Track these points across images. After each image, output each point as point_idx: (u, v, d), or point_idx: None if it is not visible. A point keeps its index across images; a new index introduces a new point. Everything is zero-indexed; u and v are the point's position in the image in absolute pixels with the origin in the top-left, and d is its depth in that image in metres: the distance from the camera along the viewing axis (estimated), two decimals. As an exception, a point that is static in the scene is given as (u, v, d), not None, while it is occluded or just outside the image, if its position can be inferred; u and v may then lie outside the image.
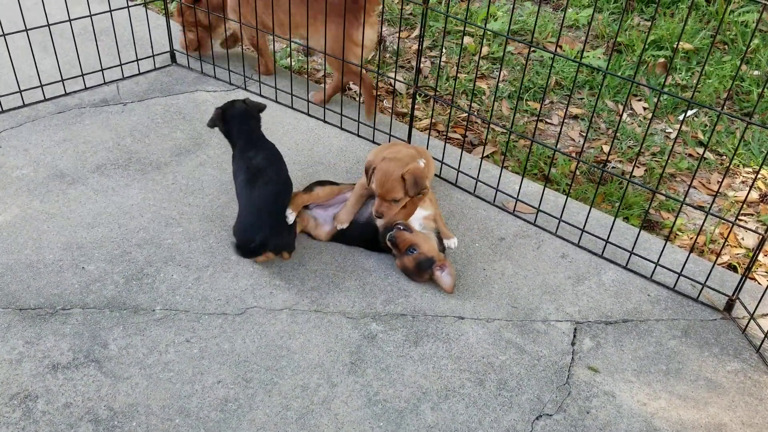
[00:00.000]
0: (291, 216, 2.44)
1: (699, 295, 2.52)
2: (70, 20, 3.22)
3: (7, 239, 2.54)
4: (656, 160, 3.42)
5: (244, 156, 2.50)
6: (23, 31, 3.11)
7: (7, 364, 2.10)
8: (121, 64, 3.51)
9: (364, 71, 3.17)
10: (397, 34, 3.56)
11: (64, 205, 2.71)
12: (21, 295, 2.33)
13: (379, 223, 2.52)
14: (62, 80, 3.34)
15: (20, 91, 3.24)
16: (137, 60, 3.59)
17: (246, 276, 2.46)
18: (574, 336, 2.33)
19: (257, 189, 2.40)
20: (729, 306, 2.47)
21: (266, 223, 2.37)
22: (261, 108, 2.63)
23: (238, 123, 2.56)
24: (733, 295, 2.45)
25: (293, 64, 3.93)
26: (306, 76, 3.47)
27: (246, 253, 2.41)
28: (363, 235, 2.57)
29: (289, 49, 3.80)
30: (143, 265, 2.47)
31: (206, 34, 3.64)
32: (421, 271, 2.43)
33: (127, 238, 2.58)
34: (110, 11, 3.38)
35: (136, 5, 3.83)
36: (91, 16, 3.27)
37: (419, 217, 2.52)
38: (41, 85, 3.29)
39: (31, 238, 2.55)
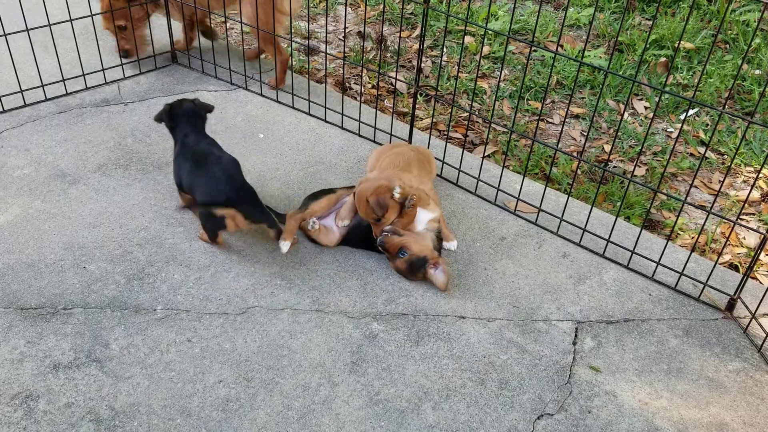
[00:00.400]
0: (285, 246, 2.45)
1: (700, 294, 2.52)
2: (71, 20, 3.22)
3: (9, 239, 2.54)
4: (657, 160, 3.42)
5: (187, 150, 2.51)
6: (24, 30, 3.11)
7: (8, 364, 2.10)
8: (122, 64, 3.52)
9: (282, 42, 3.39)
10: (398, 34, 3.56)
11: (65, 205, 2.71)
12: (22, 294, 2.33)
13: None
14: (63, 80, 3.34)
15: (21, 91, 3.24)
16: (138, 60, 3.59)
17: (247, 275, 2.46)
18: (576, 335, 2.33)
19: (210, 166, 2.42)
20: (730, 305, 2.46)
21: (230, 185, 2.37)
22: (209, 108, 2.66)
23: (184, 120, 2.58)
24: (734, 294, 2.45)
25: (294, 64, 3.94)
26: (307, 76, 3.47)
27: (216, 220, 2.36)
28: (367, 238, 2.57)
29: (290, 49, 3.80)
30: (144, 264, 2.47)
31: (141, 30, 3.57)
32: (414, 272, 2.44)
33: (128, 238, 2.58)
34: (111, 11, 3.38)
35: (136, 5, 3.83)
36: (92, 15, 3.28)
37: (424, 220, 2.53)
38: (42, 85, 3.29)
39: (33, 237, 2.55)
